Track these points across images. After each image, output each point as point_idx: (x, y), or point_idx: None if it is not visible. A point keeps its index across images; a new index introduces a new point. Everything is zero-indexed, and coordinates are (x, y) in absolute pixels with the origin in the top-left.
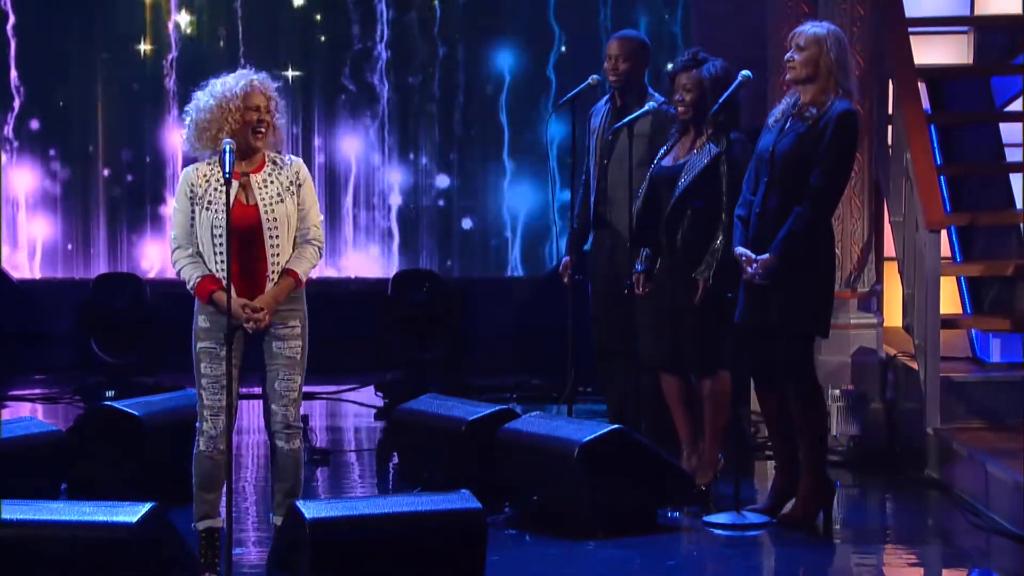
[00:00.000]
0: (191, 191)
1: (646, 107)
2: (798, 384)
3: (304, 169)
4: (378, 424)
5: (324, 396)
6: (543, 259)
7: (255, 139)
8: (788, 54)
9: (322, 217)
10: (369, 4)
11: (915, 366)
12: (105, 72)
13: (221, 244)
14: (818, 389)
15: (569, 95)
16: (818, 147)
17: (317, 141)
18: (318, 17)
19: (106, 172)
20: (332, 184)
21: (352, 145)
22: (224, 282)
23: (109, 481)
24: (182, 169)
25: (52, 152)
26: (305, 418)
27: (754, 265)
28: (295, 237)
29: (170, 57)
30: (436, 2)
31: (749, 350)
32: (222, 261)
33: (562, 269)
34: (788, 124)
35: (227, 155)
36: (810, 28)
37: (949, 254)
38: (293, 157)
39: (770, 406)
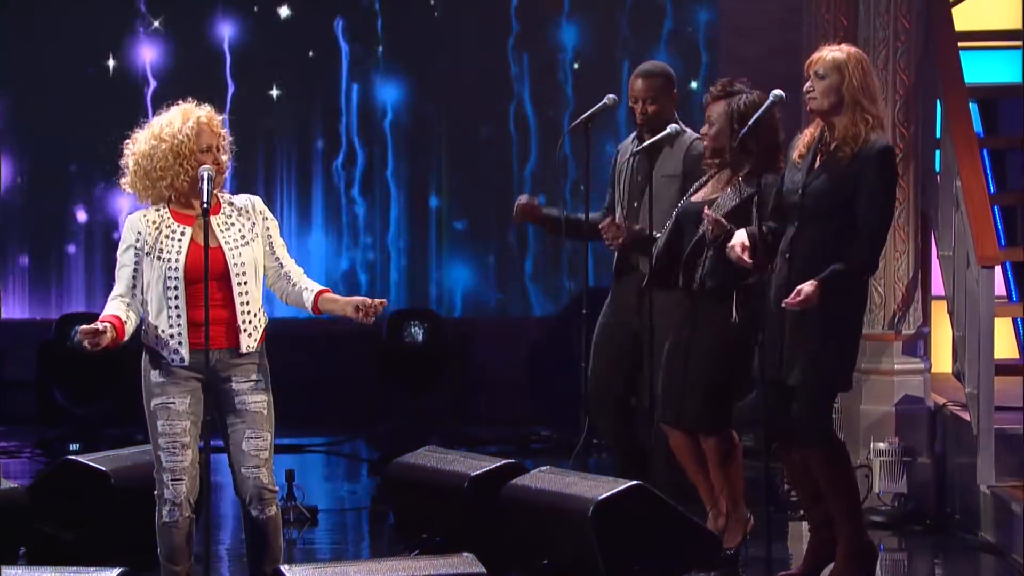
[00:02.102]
0: (137, 240)
1: (667, 130)
2: (818, 443)
3: (266, 209)
4: (372, 480)
5: (312, 449)
6: (554, 297)
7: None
8: (807, 83)
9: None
10: None
11: (967, 417)
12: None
13: (177, 296)
14: (841, 446)
15: (584, 116)
16: (855, 188)
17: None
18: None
19: (71, 198)
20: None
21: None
22: (177, 331)
23: (73, 543)
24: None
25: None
26: (291, 473)
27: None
28: (277, 280)
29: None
30: None
31: (771, 405)
32: (178, 316)
33: (520, 205)
34: (818, 162)
35: (205, 183)
36: (828, 53)
37: (1004, 292)
38: (250, 197)
39: (794, 465)
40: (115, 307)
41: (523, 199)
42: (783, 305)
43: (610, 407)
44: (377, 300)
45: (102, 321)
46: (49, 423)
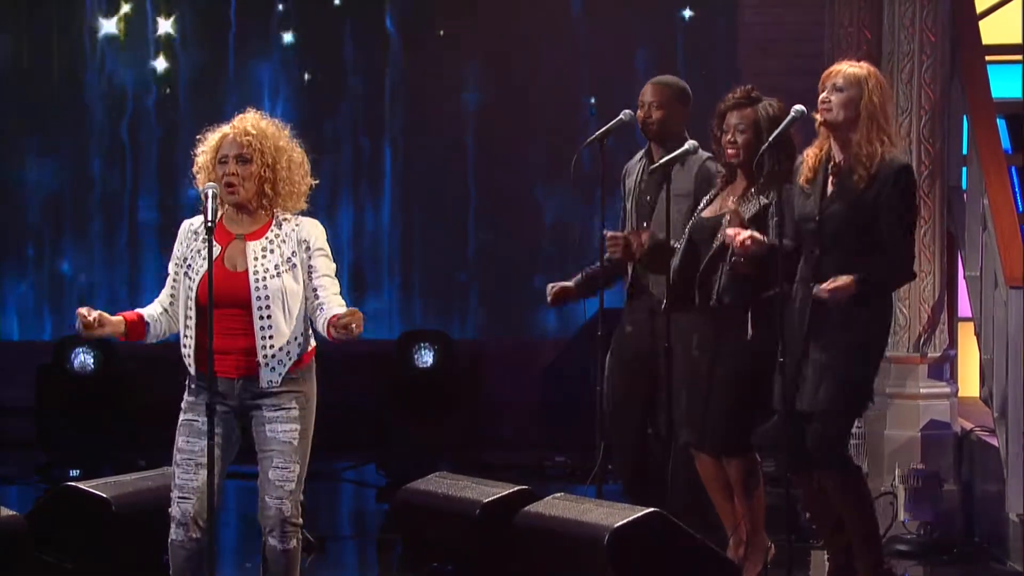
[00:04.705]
0: (178, 250)
1: (685, 147)
2: (834, 467)
3: (319, 235)
4: (380, 507)
5: (319, 475)
6: (569, 318)
7: (227, 195)
8: (823, 94)
9: (337, 287)
10: None
11: (995, 442)
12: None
13: (191, 316)
14: (857, 470)
15: (599, 132)
16: (875, 212)
17: None
18: None
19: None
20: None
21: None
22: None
23: (74, 572)
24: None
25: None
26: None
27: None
28: (313, 311)
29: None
30: None
31: (787, 430)
32: (189, 339)
33: (553, 291)
34: (830, 186)
35: (209, 202)
36: (848, 67)
37: None
38: (301, 220)
39: (813, 492)
40: (149, 307)
41: (549, 293)
42: (816, 291)
43: (628, 437)
44: (348, 316)
45: (119, 314)
46: (48, 448)
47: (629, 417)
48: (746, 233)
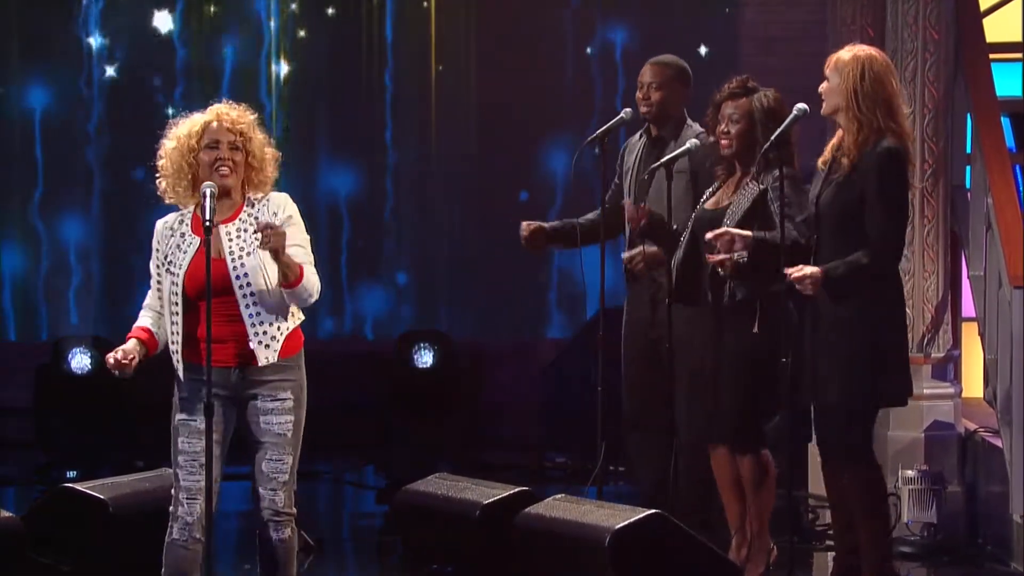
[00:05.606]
0: (158, 250)
1: (687, 146)
2: (856, 464)
3: (287, 204)
4: (380, 508)
5: (319, 476)
6: (569, 318)
7: (219, 178)
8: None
9: (310, 258)
10: None
11: (999, 443)
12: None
13: (176, 312)
14: (878, 468)
15: (599, 131)
16: (862, 197)
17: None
18: None
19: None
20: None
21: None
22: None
23: (71, 574)
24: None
25: None
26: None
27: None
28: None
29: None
30: None
31: (788, 429)
32: (176, 333)
33: (529, 228)
34: (828, 170)
35: (207, 200)
36: (840, 54)
37: None
38: (271, 195)
39: (837, 486)
40: (145, 318)
41: (524, 230)
42: (786, 273)
43: (649, 424)
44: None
45: (130, 337)
46: (47, 449)
47: (655, 412)
48: (720, 230)
